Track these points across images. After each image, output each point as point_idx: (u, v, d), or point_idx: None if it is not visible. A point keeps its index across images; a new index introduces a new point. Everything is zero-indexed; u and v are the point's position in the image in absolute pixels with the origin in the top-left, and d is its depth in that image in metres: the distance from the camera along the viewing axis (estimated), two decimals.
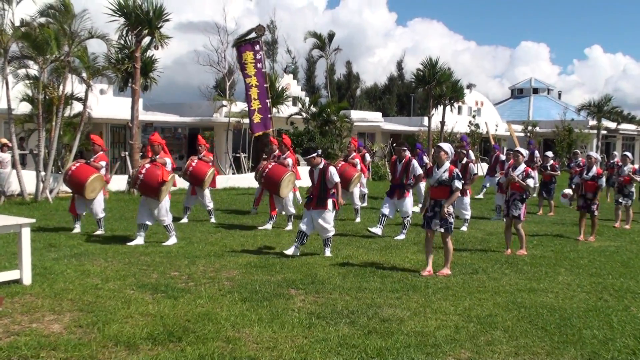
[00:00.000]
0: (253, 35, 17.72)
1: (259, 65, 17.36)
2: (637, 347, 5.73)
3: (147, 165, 10.57)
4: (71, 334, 5.70)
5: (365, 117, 36.02)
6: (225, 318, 6.23)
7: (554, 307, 6.97)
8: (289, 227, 12.69)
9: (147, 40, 18.46)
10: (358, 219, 14.29)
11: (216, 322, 6.08)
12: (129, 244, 10.44)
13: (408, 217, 11.83)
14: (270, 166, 12.49)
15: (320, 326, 6.07)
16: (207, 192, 13.67)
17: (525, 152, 11.13)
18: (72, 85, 18.33)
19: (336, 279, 8.06)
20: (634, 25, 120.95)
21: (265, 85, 17.54)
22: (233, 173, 26.69)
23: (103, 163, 11.89)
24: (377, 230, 11.67)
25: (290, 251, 9.65)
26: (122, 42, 18.51)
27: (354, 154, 15.00)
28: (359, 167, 14.66)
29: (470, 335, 5.94)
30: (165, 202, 10.67)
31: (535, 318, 6.55)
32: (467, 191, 13.18)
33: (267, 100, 17.69)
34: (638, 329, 6.27)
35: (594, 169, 12.11)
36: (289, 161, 12.84)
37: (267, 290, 7.39)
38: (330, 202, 9.73)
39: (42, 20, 16.64)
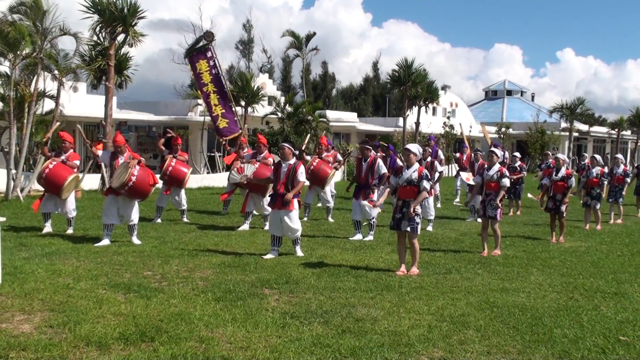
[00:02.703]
0: (203, 42, 17.48)
1: (214, 71, 17.12)
2: (607, 345, 5.82)
3: (138, 169, 10.31)
4: (41, 334, 5.63)
5: (340, 118, 36.08)
6: (198, 318, 6.20)
7: (525, 307, 7.05)
8: (267, 227, 12.63)
9: (121, 37, 18.25)
10: (331, 219, 14.30)
11: (189, 322, 6.05)
12: (96, 245, 10.29)
13: (373, 218, 11.78)
14: (255, 165, 12.41)
15: (294, 326, 6.07)
16: (182, 192, 13.59)
17: (500, 152, 11.22)
18: (45, 82, 18.09)
19: (310, 279, 8.06)
20: (604, 29, 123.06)
21: (224, 89, 17.32)
22: (208, 172, 26.55)
23: (77, 162, 11.76)
24: (358, 236, 11.70)
25: (269, 256, 9.60)
26: (96, 39, 18.29)
27: (326, 153, 14.94)
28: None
29: (443, 334, 5.98)
30: (136, 202, 10.66)
31: (507, 317, 6.62)
32: (432, 191, 13.12)
33: (231, 103, 17.48)
34: (607, 328, 6.37)
35: (563, 170, 12.29)
36: (270, 161, 12.81)
37: (241, 290, 7.37)
38: (295, 201, 9.70)
39: (14, 17, 16.39)
